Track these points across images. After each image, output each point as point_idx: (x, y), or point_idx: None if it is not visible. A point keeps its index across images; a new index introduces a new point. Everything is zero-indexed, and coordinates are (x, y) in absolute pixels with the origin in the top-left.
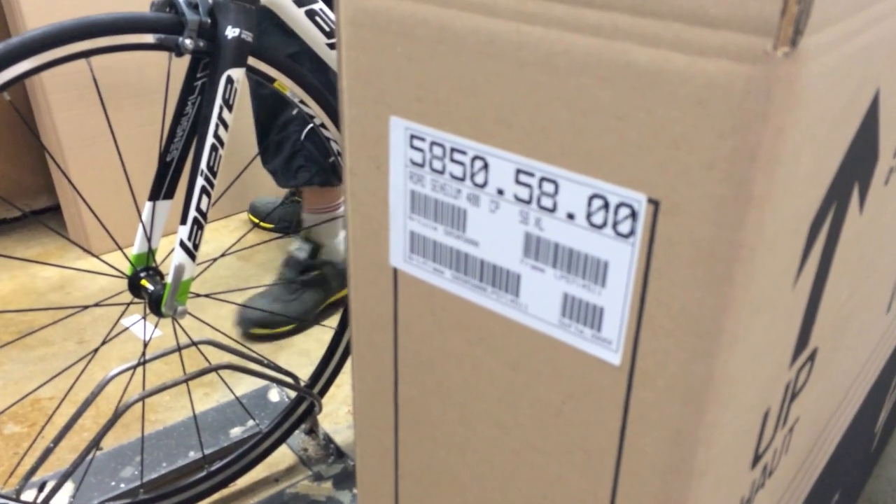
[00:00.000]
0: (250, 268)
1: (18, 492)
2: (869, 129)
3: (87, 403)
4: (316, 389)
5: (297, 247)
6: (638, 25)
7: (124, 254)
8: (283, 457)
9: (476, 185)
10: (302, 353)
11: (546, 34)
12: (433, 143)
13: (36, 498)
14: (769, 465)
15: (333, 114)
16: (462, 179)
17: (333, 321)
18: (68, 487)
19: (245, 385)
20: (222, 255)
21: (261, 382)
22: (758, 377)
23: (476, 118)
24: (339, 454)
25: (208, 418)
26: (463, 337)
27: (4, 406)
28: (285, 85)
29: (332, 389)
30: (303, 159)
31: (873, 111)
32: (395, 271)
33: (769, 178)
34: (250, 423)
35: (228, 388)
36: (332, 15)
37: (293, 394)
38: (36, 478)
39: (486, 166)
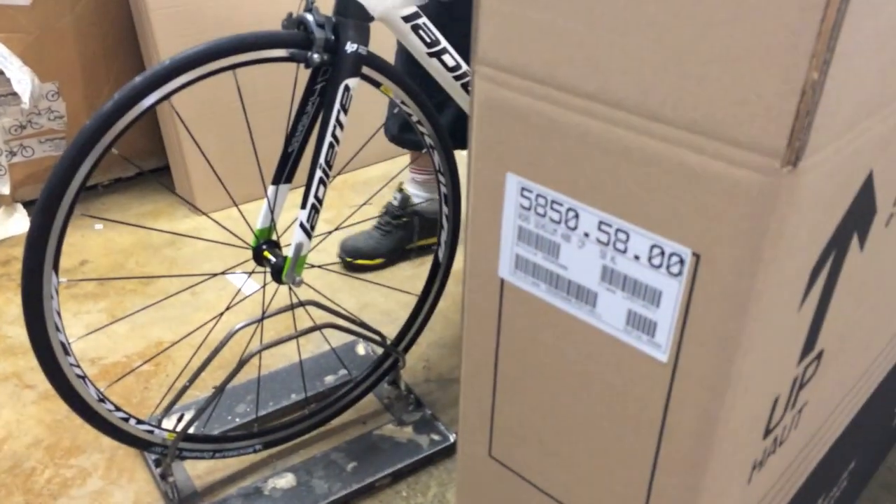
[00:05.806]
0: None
1: (160, 420)
2: (865, 197)
3: (215, 351)
4: (400, 347)
5: (393, 196)
6: (691, 139)
7: (242, 214)
8: (369, 403)
9: (568, 227)
10: (384, 313)
11: (626, 134)
12: (538, 195)
13: (175, 426)
14: (779, 437)
15: (428, 112)
16: (558, 223)
17: (417, 287)
18: None
19: (335, 340)
20: (336, 229)
21: (350, 337)
22: (768, 373)
23: (572, 182)
24: (418, 404)
25: (306, 366)
26: (551, 332)
27: (134, 348)
28: (389, 88)
29: (412, 347)
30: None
31: (868, 185)
32: (503, 281)
33: (774, 247)
34: (342, 371)
35: (328, 342)
36: (433, 29)
37: (378, 349)
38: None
39: (577, 216)
